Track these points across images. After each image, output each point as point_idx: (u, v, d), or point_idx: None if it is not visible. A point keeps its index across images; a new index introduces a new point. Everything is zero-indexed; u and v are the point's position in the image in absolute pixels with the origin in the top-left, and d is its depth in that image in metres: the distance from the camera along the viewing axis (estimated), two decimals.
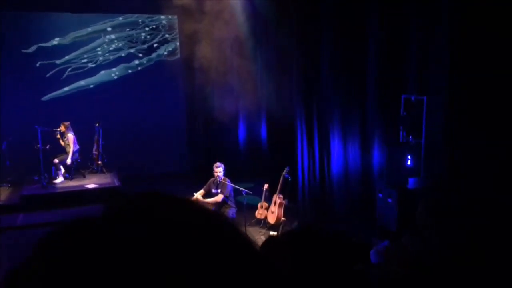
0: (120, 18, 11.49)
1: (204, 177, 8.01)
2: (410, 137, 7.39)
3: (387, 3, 7.54)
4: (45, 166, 9.74)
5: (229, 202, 7.52)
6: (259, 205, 8.30)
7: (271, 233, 7.92)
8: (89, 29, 11.17)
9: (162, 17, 11.73)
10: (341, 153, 8.11)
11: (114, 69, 11.55)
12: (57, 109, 10.67)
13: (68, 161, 9.99)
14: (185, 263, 0.56)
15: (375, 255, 3.85)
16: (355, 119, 8.14)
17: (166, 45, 12.01)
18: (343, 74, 7.99)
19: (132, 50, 11.78)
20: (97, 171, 10.84)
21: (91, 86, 11.31)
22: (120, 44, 11.66)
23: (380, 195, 7.47)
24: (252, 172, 10.52)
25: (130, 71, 11.70)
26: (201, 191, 7.62)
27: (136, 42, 11.81)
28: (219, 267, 0.58)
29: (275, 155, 9.97)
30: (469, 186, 6.31)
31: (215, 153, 9.72)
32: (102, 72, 11.39)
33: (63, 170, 10.18)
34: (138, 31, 11.80)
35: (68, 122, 10.06)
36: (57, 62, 10.93)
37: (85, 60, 11.21)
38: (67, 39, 10.93)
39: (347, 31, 7.84)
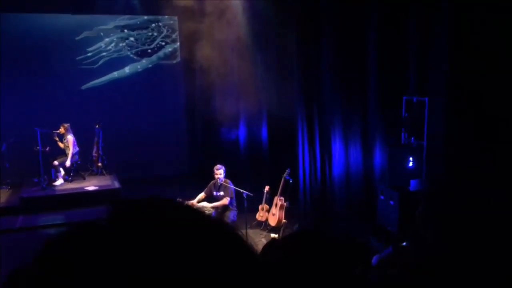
0: (120, 20, 11.46)
1: (204, 179, 7.97)
2: (412, 138, 7.36)
3: (387, 5, 7.53)
4: (45, 168, 9.69)
5: (230, 205, 7.47)
6: (260, 207, 8.27)
7: (272, 235, 7.88)
8: (89, 31, 11.14)
9: (163, 18, 11.70)
10: (342, 155, 8.09)
11: (115, 72, 11.50)
12: (56, 110, 10.62)
13: (68, 163, 9.95)
14: (188, 267, 0.58)
15: (378, 261, 3.81)
16: (356, 121, 8.11)
17: (166, 46, 11.98)
18: (344, 75, 7.97)
19: (132, 52, 11.75)
20: (97, 173, 10.80)
21: (93, 86, 11.27)
22: (120, 46, 11.63)
23: (382, 197, 7.44)
24: (253, 174, 10.49)
25: (130, 73, 11.66)
26: (202, 194, 7.58)
27: (136, 43, 11.78)
28: (220, 271, 0.60)
29: (276, 157, 9.93)
30: (470, 187, 6.28)
31: (216, 155, 9.67)
32: (103, 73, 11.34)
33: (62, 172, 10.13)
34: (138, 32, 11.77)
35: (68, 124, 10.02)
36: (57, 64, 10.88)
37: (86, 62, 11.17)
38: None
39: (348, 32, 7.83)
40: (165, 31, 11.96)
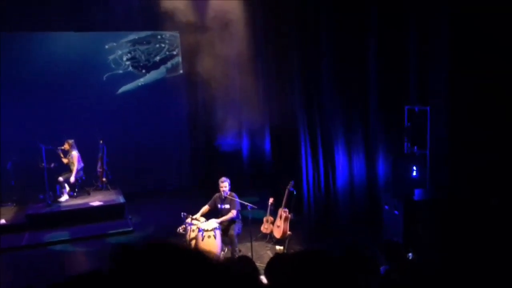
0: (123, 35, 11.57)
1: (208, 192, 7.99)
2: (415, 147, 7.38)
3: (386, 15, 7.59)
4: (50, 184, 9.74)
5: (235, 218, 7.48)
6: (264, 219, 8.27)
7: (277, 247, 7.87)
8: (92, 47, 11.24)
9: (164, 33, 11.81)
10: (345, 166, 8.10)
11: (118, 87, 11.58)
12: (60, 127, 10.69)
13: (72, 179, 10.00)
14: None
15: (386, 271, 3.82)
16: (358, 131, 8.14)
17: (168, 60, 12.08)
18: (345, 86, 8.02)
19: (134, 66, 11.84)
20: (102, 188, 10.84)
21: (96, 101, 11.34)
22: (122, 61, 11.73)
23: (386, 207, 7.44)
24: (256, 186, 10.51)
25: (133, 88, 11.75)
26: (206, 207, 7.58)
27: (139, 58, 11.88)
28: None
29: (279, 169, 9.96)
30: (475, 195, 6.28)
31: (219, 168, 9.70)
32: (106, 89, 11.42)
33: (67, 188, 10.18)
34: (140, 47, 11.88)
35: (72, 140, 10.08)
36: (60, 80, 10.97)
37: (90, 78, 11.24)
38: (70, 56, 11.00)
39: (348, 43, 7.89)
40: (167, 45, 12.07)
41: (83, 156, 10.27)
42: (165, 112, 11.81)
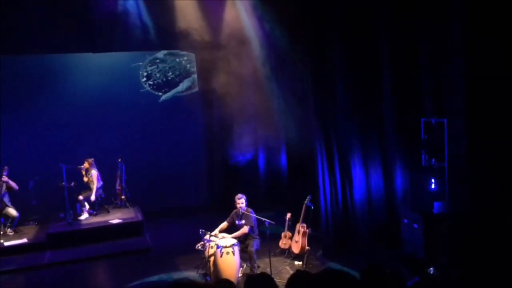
0: (138, 55, 11.76)
1: (225, 209, 8.03)
2: (433, 160, 7.32)
3: (400, 27, 7.61)
4: (71, 203, 9.90)
5: (253, 234, 7.49)
6: (282, 234, 8.26)
7: (296, 263, 7.85)
8: (108, 68, 11.44)
9: (180, 52, 11.99)
10: (363, 180, 8.06)
11: (134, 106, 11.73)
12: (80, 146, 10.89)
13: (93, 197, 10.15)
14: None
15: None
16: (375, 145, 8.11)
17: (184, 79, 12.24)
18: (360, 100, 8.02)
19: (150, 85, 12.03)
20: (121, 206, 10.97)
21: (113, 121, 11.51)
22: (139, 80, 11.93)
23: (405, 220, 7.38)
24: (273, 201, 10.51)
25: (149, 106, 11.90)
26: (225, 223, 7.63)
27: (155, 77, 12.07)
28: None
29: (296, 184, 9.95)
30: (495, 208, 6.19)
31: (236, 185, 9.74)
32: (123, 108, 11.59)
33: (87, 206, 10.33)
34: (156, 66, 12.08)
35: (92, 159, 10.27)
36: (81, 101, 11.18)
37: (107, 98, 11.43)
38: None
39: (362, 57, 7.91)
40: (183, 64, 12.25)
41: (102, 174, 10.42)
42: (182, 130, 11.94)
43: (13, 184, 9.62)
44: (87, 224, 9.90)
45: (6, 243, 9.03)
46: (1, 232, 9.51)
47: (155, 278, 7.56)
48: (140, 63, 11.96)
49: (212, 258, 7.05)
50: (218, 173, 11.87)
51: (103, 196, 10.57)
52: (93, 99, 11.16)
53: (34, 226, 10.20)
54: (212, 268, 7.06)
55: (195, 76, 12.19)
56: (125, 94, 11.61)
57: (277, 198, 10.73)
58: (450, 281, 3.91)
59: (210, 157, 12.12)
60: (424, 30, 7.39)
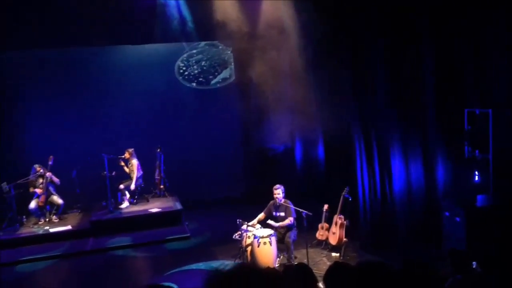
0: (177, 46, 11.89)
1: (261, 200, 8.04)
2: (476, 152, 7.09)
3: (442, 15, 7.36)
4: (112, 192, 10.19)
5: (291, 224, 7.49)
6: (319, 226, 8.22)
7: (334, 254, 7.81)
8: (148, 59, 11.63)
9: (217, 43, 12.05)
10: (402, 171, 7.89)
11: (173, 97, 11.89)
12: (121, 136, 11.15)
13: (133, 186, 10.40)
14: None
15: (450, 283, 3.70)
16: (415, 136, 7.91)
17: (221, 70, 12.30)
18: (401, 90, 7.82)
19: (188, 76, 12.15)
20: (160, 195, 11.20)
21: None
22: (177, 71, 12.07)
23: (447, 214, 7.19)
24: (310, 193, 10.45)
25: (187, 97, 12.02)
26: (262, 214, 7.66)
27: (192, 68, 12.18)
28: None
29: (333, 176, 9.86)
30: None
31: (273, 176, 9.74)
32: (162, 99, 11.77)
33: (128, 195, 10.59)
34: (193, 57, 12.18)
35: (132, 149, 10.51)
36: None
37: (147, 90, 11.63)
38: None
39: (403, 45, 7.70)
40: (219, 55, 12.30)
41: (142, 164, 10.65)
42: (219, 120, 12.02)
43: (56, 179, 9.97)
44: (128, 212, 10.18)
45: (52, 230, 9.40)
46: (47, 219, 9.91)
47: (193, 266, 7.69)
48: (178, 55, 12.09)
49: (249, 248, 7.10)
50: (255, 164, 11.89)
51: (142, 185, 10.81)
52: (133, 91, 11.39)
53: (78, 213, 10.57)
54: (249, 258, 7.11)
55: (232, 67, 12.23)
56: (164, 86, 11.78)
57: (314, 189, 10.67)
58: (493, 277, 3.78)
59: (247, 148, 12.15)
60: (468, 17, 7.13)
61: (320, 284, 3.17)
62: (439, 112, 7.61)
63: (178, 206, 10.34)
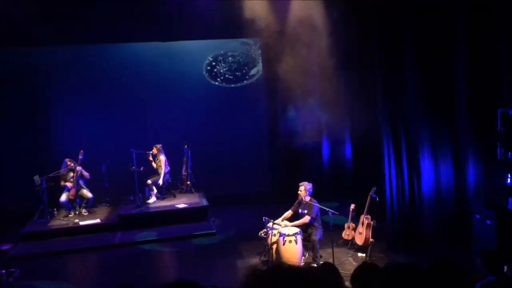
0: (205, 43, 11.96)
1: (289, 198, 8.03)
2: (509, 153, 6.91)
3: (475, 13, 7.19)
4: (140, 187, 10.34)
5: (316, 223, 7.45)
6: (346, 225, 8.16)
7: (360, 254, 7.74)
8: (176, 56, 11.73)
9: (246, 40, 12.06)
10: (431, 172, 7.75)
11: (203, 94, 11.96)
12: (148, 132, 11.31)
13: (160, 182, 10.54)
14: None
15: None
16: (446, 136, 7.76)
17: (249, 67, 12.31)
18: (431, 89, 7.68)
19: (216, 73, 12.20)
20: (186, 191, 11.30)
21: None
22: (205, 67, 12.14)
23: (477, 216, 7.03)
24: (337, 192, 10.37)
25: (215, 94, 12.09)
26: (289, 212, 7.66)
27: (220, 64, 12.23)
28: None
29: (360, 175, 9.75)
30: None
31: (299, 173, 9.70)
32: (189, 96, 11.85)
33: (155, 190, 10.73)
34: (222, 54, 12.22)
35: (160, 145, 10.64)
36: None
37: (175, 86, 11.75)
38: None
39: (434, 44, 7.56)
40: (247, 52, 12.31)
41: (169, 160, 10.77)
42: (246, 117, 12.03)
43: (86, 174, 10.18)
44: (155, 207, 10.31)
45: (81, 223, 9.61)
46: (77, 212, 10.13)
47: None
48: (207, 52, 12.16)
49: (274, 246, 7.11)
50: (282, 161, 11.87)
51: (170, 181, 10.94)
52: (163, 88, 11.53)
53: (107, 207, 10.76)
54: (274, 256, 7.12)
55: (260, 64, 12.22)
56: (192, 82, 11.86)
57: (341, 188, 10.59)
58: None
59: (274, 145, 12.13)
60: (502, 15, 6.94)
61: (347, 284, 3.15)
62: (471, 112, 7.44)
63: (204, 202, 10.43)
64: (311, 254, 7.34)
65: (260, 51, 12.11)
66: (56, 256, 8.49)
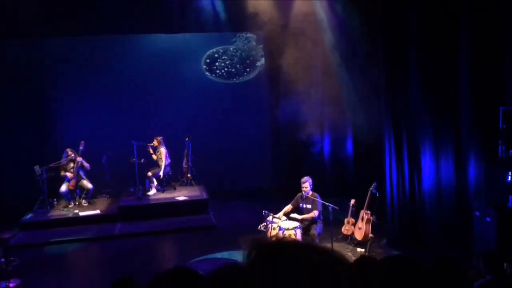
0: (207, 37, 11.91)
1: (289, 192, 8.03)
2: (511, 151, 6.89)
3: (479, 10, 7.15)
4: (140, 179, 10.34)
5: (317, 218, 7.46)
6: (345, 220, 8.17)
7: (359, 249, 7.75)
8: (178, 49, 11.70)
9: (248, 35, 12.01)
10: (432, 169, 7.74)
11: (204, 87, 11.94)
12: (150, 125, 11.30)
13: (161, 174, 10.54)
14: None
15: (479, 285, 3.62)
16: (448, 134, 7.74)
17: (251, 61, 12.27)
18: (434, 85, 7.66)
19: (218, 67, 12.17)
20: (187, 184, 11.30)
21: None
22: (206, 61, 12.11)
23: (477, 213, 7.02)
24: (337, 187, 10.38)
25: (217, 88, 12.07)
26: (289, 206, 7.65)
27: (222, 59, 12.19)
28: None
29: (361, 171, 9.76)
30: None
31: (301, 168, 9.70)
32: (192, 89, 11.83)
33: (156, 182, 10.74)
34: (224, 48, 12.19)
35: (161, 137, 10.63)
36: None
37: (178, 80, 11.71)
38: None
39: (437, 40, 7.53)
40: (250, 47, 12.26)
41: (170, 152, 10.77)
42: (248, 111, 12.02)
43: (86, 164, 10.20)
44: (155, 199, 10.33)
45: (81, 213, 9.64)
46: (77, 203, 10.16)
47: (218, 255, 7.76)
48: (209, 45, 12.12)
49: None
50: (283, 156, 11.86)
51: (170, 173, 10.94)
52: (165, 80, 11.50)
53: (107, 198, 10.77)
54: None
55: (263, 59, 12.19)
56: (194, 75, 11.82)
57: (342, 184, 10.60)
58: None
59: (276, 140, 12.12)
60: (506, 12, 6.90)
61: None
62: (473, 109, 7.42)
63: (205, 195, 10.44)
64: None
65: (263, 46, 12.06)
66: (56, 245, 8.51)
